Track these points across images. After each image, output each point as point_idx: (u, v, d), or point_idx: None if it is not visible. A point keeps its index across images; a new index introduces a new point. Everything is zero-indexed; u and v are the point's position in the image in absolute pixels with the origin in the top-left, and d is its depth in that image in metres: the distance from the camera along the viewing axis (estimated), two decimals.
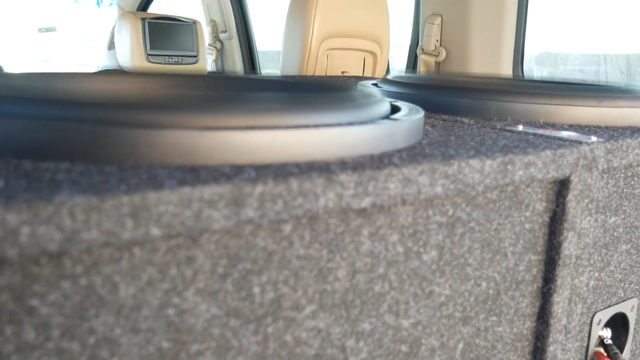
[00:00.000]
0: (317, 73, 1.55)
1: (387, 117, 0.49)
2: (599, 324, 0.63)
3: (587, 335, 0.62)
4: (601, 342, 0.65)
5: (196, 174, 0.33)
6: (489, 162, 0.44)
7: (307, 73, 1.54)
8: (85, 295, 0.30)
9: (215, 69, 2.84)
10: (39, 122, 0.34)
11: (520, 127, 0.62)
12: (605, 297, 0.63)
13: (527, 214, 0.52)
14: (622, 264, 0.63)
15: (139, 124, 0.34)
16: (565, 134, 0.58)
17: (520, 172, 0.47)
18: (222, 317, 0.35)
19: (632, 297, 0.66)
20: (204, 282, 0.34)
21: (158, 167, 0.33)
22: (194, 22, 2.52)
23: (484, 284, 0.50)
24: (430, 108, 0.73)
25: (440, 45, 1.77)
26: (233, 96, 0.49)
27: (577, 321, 0.59)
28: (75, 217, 0.27)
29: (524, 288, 0.54)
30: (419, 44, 1.83)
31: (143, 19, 2.35)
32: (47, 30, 3.44)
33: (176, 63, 2.40)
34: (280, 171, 0.35)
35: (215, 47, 2.78)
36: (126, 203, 0.28)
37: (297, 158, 0.38)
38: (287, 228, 0.36)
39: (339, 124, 0.41)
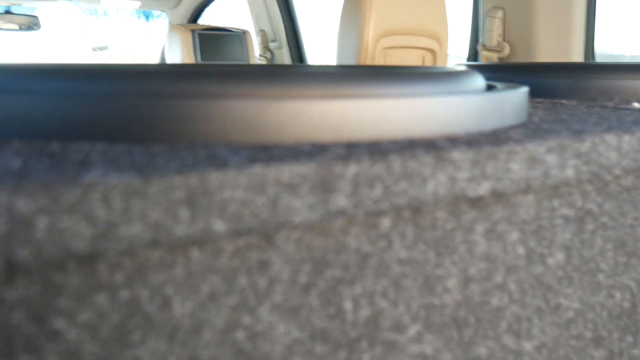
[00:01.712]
0: None
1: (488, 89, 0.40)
2: None
3: None
4: None
5: (269, 152, 0.25)
6: (627, 137, 0.35)
7: None
8: (127, 314, 0.22)
9: None
10: (70, 95, 0.27)
11: (637, 105, 0.52)
12: None
13: None
14: None
15: (194, 94, 0.27)
16: None
17: None
18: (306, 341, 0.27)
19: None
20: (282, 295, 0.26)
21: (219, 146, 0.26)
22: (244, 32, 2.49)
23: (617, 294, 0.40)
24: None
25: (504, 40, 1.66)
26: (310, 68, 0.41)
27: None
28: (112, 205, 0.19)
29: None
30: (479, 39, 1.73)
31: (193, 31, 2.33)
32: (101, 49, 3.49)
33: None
34: (377, 149, 0.27)
35: (266, 57, 2.74)
36: (180, 186, 0.20)
37: (393, 134, 0.30)
38: (386, 223, 0.28)
39: (440, 93, 0.32)
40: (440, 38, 1.55)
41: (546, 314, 0.36)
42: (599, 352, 0.40)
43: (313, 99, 0.28)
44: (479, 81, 0.41)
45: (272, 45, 2.70)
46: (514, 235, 0.33)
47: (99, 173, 0.20)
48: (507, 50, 1.66)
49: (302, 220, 0.24)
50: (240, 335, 0.25)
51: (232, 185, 0.22)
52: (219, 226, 0.22)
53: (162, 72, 0.29)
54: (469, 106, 0.33)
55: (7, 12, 2.80)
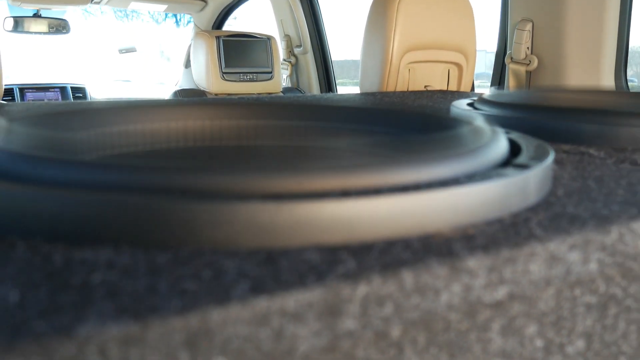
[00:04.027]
0: (399, 88, 1.45)
1: (509, 161, 0.39)
2: None
3: None
4: None
5: (275, 267, 0.24)
6: None
7: (388, 88, 1.44)
8: None
9: (289, 84, 2.79)
10: (75, 192, 0.27)
11: None
12: None
13: None
14: None
15: (199, 195, 0.26)
16: None
17: None
18: None
19: None
20: None
21: (226, 256, 0.25)
22: (269, 38, 2.49)
23: None
24: (545, 135, 0.61)
25: (532, 53, 1.63)
26: (316, 147, 0.40)
27: None
28: (109, 356, 0.19)
29: None
30: (507, 52, 1.69)
31: (218, 37, 2.33)
32: (128, 51, 3.52)
33: (251, 80, 2.37)
34: (387, 257, 0.26)
35: (290, 62, 2.73)
36: (180, 328, 0.20)
37: (406, 231, 0.29)
38: (396, 332, 0.27)
39: (456, 182, 0.31)
40: (467, 52, 1.52)
41: None
42: None
43: (321, 201, 0.27)
44: (501, 148, 0.39)
45: (297, 50, 2.70)
46: (532, 329, 0.32)
47: (96, 321, 0.19)
48: (535, 63, 1.62)
49: (308, 347, 0.23)
50: None
51: (235, 322, 0.21)
52: None
53: (164, 168, 0.28)
54: (490, 194, 0.32)
55: (36, 15, 2.84)
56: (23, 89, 3.04)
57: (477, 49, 1.57)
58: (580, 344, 0.35)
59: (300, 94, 2.54)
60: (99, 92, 3.20)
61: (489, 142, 0.38)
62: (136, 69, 3.93)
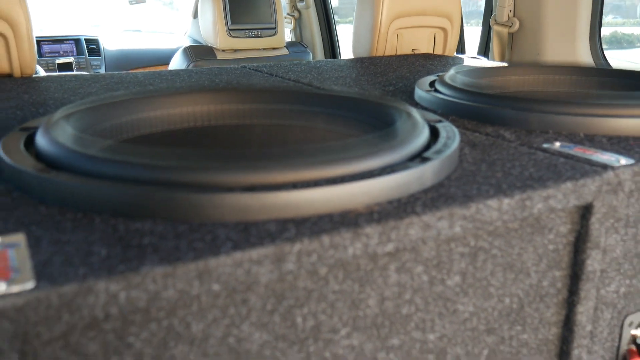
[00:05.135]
0: (387, 53, 1.60)
1: (421, 152, 0.55)
2: (630, 325, 0.67)
3: (617, 336, 0.67)
4: (634, 341, 0.70)
5: (247, 234, 0.42)
6: (506, 200, 0.50)
7: (377, 53, 1.58)
8: (167, 332, 0.40)
9: (293, 39, 2.91)
10: (130, 185, 0.44)
11: (557, 145, 0.66)
12: (638, 301, 0.67)
13: (551, 236, 0.57)
14: None
15: (203, 189, 0.44)
16: (595, 156, 0.62)
17: (539, 205, 0.53)
18: (272, 341, 0.44)
19: None
20: (256, 317, 0.43)
21: (219, 226, 0.43)
22: None
23: (507, 300, 0.57)
24: (479, 117, 0.78)
25: (514, 16, 1.76)
26: (277, 152, 0.56)
27: (605, 325, 0.64)
28: (157, 282, 0.37)
29: (548, 300, 0.60)
30: (492, 14, 1.82)
31: None
32: (138, 2, 3.62)
33: (256, 36, 2.50)
34: (316, 227, 0.43)
35: (293, 16, 2.85)
36: (193, 269, 0.38)
37: (332, 209, 0.46)
38: (323, 271, 0.45)
39: (371, 175, 0.48)
40: (451, 16, 1.65)
41: (446, 316, 0.53)
42: (491, 338, 0.57)
43: (278, 192, 0.44)
44: (419, 142, 0.56)
45: (300, 5, 2.81)
46: (419, 269, 0.50)
47: (150, 265, 0.37)
48: (516, 25, 1.75)
49: (266, 280, 0.41)
50: (231, 340, 0.42)
51: (223, 265, 0.39)
52: (216, 287, 0.39)
53: (184, 167, 0.45)
54: (393, 183, 0.49)
55: None
56: (39, 42, 3.18)
57: None
58: (457, 279, 0.53)
59: (303, 49, 2.67)
60: (111, 43, 3.32)
61: (410, 138, 0.55)
62: (146, 19, 4.04)
